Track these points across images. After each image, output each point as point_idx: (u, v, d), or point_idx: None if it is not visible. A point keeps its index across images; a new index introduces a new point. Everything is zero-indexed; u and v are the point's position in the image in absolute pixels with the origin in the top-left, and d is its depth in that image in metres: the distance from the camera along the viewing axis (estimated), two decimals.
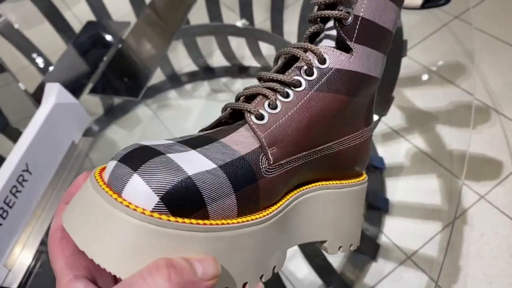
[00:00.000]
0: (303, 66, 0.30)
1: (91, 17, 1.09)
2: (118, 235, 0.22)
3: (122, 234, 0.22)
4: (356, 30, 0.30)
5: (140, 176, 0.23)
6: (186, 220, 0.23)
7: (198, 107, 1.26)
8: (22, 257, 0.58)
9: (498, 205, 0.96)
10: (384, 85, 0.59)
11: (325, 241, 0.34)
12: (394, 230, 0.95)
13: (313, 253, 0.80)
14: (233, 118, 0.31)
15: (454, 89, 1.17)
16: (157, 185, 0.22)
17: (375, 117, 0.56)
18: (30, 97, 0.74)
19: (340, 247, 0.35)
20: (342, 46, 0.30)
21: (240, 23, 1.20)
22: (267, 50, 1.30)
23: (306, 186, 0.32)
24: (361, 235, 0.97)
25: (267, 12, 1.18)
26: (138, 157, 0.24)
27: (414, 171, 1.04)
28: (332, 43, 0.31)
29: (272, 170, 0.28)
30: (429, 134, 1.10)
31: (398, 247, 0.92)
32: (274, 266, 0.29)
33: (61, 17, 1.07)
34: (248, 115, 0.29)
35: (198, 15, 1.18)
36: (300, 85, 0.29)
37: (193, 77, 1.34)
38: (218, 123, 0.31)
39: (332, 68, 0.30)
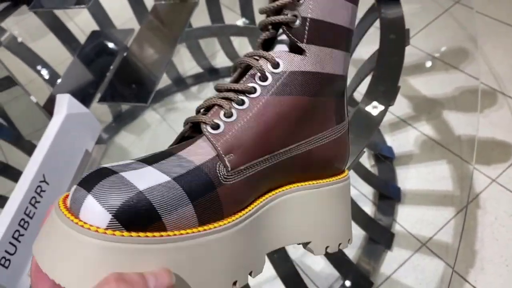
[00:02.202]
0: (257, 73, 0.30)
1: (94, 26, 1.11)
2: (76, 254, 0.22)
3: (79, 253, 0.22)
4: (306, 31, 0.30)
5: (93, 196, 0.23)
6: (141, 234, 0.23)
7: None
8: None
9: (511, 188, 0.96)
10: (389, 75, 0.60)
11: (309, 242, 0.34)
12: (408, 219, 0.96)
13: None
14: (196, 131, 0.32)
15: (459, 74, 1.17)
16: (108, 203, 0.23)
17: (382, 107, 0.57)
18: (42, 109, 0.76)
19: (327, 247, 0.35)
20: (295, 48, 0.31)
21: (241, 21, 1.20)
22: None
23: (281, 189, 0.32)
24: (375, 225, 0.97)
25: None
26: (93, 179, 0.24)
27: (424, 159, 1.04)
28: (286, 47, 0.31)
29: (232, 177, 0.28)
30: (436, 121, 1.10)
31: (413, 235, 0.93)
32: (251, 272, 0.30)
33: (65, 28, 1.09)
34: (204, 126, 0.29)
35: (200, 17, 1.19)
36: (255, 92, 0.30)
37: (198, 79, 1.35)
38: (181, 138, 0.32)
39: (286, 71, 0.30)
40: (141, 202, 0.24)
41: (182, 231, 0.25)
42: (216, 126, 0.29)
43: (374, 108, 0.57)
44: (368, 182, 0.98)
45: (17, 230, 0.55)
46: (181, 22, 0.90)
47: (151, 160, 0.27)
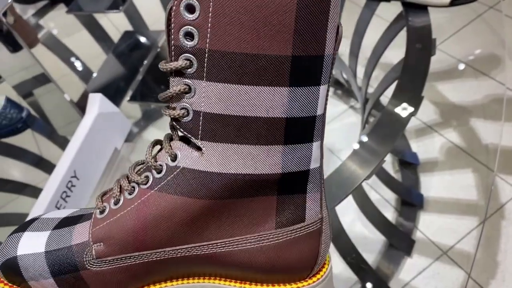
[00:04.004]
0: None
1: (127, 23, 1.14)
2: None
3: None
4: (200, 127, 0.26)
5: (1, 247, 0.30)
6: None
7: None
8: None
9: None
10: (412, 85, 0.60)
11: None
12: (430, 226, 0.95)
13: (346, 251, 0.82)
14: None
15: (488, 81, 1.15)
16: (0, 256, 0.30)
17: (407, 112, 0.57)
18: (74, 106, 0.79)
19: None
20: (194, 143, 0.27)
21: None
22: None
23: (195, 280, 0.30)
24: (396, 231, 0.97)
25: None
26: (14, 231, 0.31)
27: (449, 166, 1.03)
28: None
29: (98, 264, 0.28)
30: (463, 128, 1.08)
31: (434, 243, 0.92)
32: None
33: (99, 26, 1.12)
34: (96, 208, 0.30)
35: None
36: (146, 183, 0.28)
37: None
38: None
39: (180, 166, 0.27)
40: (14, 265, 0.29)
41: None
42: (102, 210, 0.29)
43: (397, 116, 0.58)
44: (390, 187, 0.98)
45: None
46: None
47: (62, 223, 0.31)
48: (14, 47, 0.74)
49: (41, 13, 1.10)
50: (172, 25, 0.24)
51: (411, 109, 0.57)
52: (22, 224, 0.32)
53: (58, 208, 0.60)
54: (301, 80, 0.24)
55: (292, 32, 0.23)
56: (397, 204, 1.00)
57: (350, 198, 0.78)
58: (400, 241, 0.92)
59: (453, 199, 0.98)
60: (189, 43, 0.24)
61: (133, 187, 0.28)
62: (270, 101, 0.24)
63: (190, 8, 0.23)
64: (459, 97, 1.15)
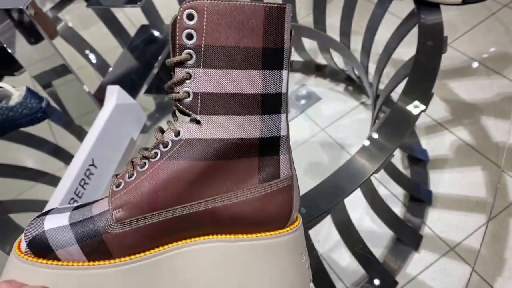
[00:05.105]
0: (161, 140, 0.35)
1: (143, 16, 1.16)
2: (7, 267, 0.34)
3: (8, 266, 0.34)
4: (198, 104, 0.33)
5: (25, 231, 0.35)
6: (40, 260, 0.33)
7: None
8: None
9: None
10: (423, 82, 0.61)
11: None
12: (438, 222, 0.96)
13: (354, 243, 0.83)
14: None
15: (500, 79, 1.16)
16: (26, 236, 0.34)
17: (418, 110, 0.58)
18: (92, 97, 0.81)
19: None
20: (193, 118, 0.33)
21: None
22: (309, 44, 1.33)
23: (198, 238, 0.35)
24: (404, 226, 0.97)
25: (309, 7, 1.21)
26: (35, 218, 0.36)
27: (459, 164, 1.04)
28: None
29: (117, 227, 0.34)
30: (474, 126, 1.09)
31: (441, 239, 0.93)
32: None
33: (115, 20, 1.15)
34: (111, 184, 0.35)
35: None
36: (156, 157, 0.34)
37: None
38: None
39: (183, 138, 0.33)
40: (42, 238, 0.34)
41: (71, 263, 0.34)
42: (118, 185, 0.35)
43: (406, 113, 0.59)
44: (399, 183, 0.99)
45: None
46: None
47: (79, 206, 0.36)
48: (35, 38, 0.76)
49: (59, 6, 1.12)
50: (177, 29, 0.32)
51: (422, 107, 0.58)
52: (41, 213, 0.37)
53: (77, 195, 0.62)
54: (270, 66, 0.33)
55: (262, 31, 0.32)
56: (405, 199, 1.01)
57: (359, 193, 0.79)
58: (408, 236, 0.93)
59: (462, 196, 0.99)
60: (189, 42, 0.32)
61: (144, 162, 0.34)
62: (250, 81, 0.33)
63: (190, 17, 0.32)
64: (470, 95, 1.15)
